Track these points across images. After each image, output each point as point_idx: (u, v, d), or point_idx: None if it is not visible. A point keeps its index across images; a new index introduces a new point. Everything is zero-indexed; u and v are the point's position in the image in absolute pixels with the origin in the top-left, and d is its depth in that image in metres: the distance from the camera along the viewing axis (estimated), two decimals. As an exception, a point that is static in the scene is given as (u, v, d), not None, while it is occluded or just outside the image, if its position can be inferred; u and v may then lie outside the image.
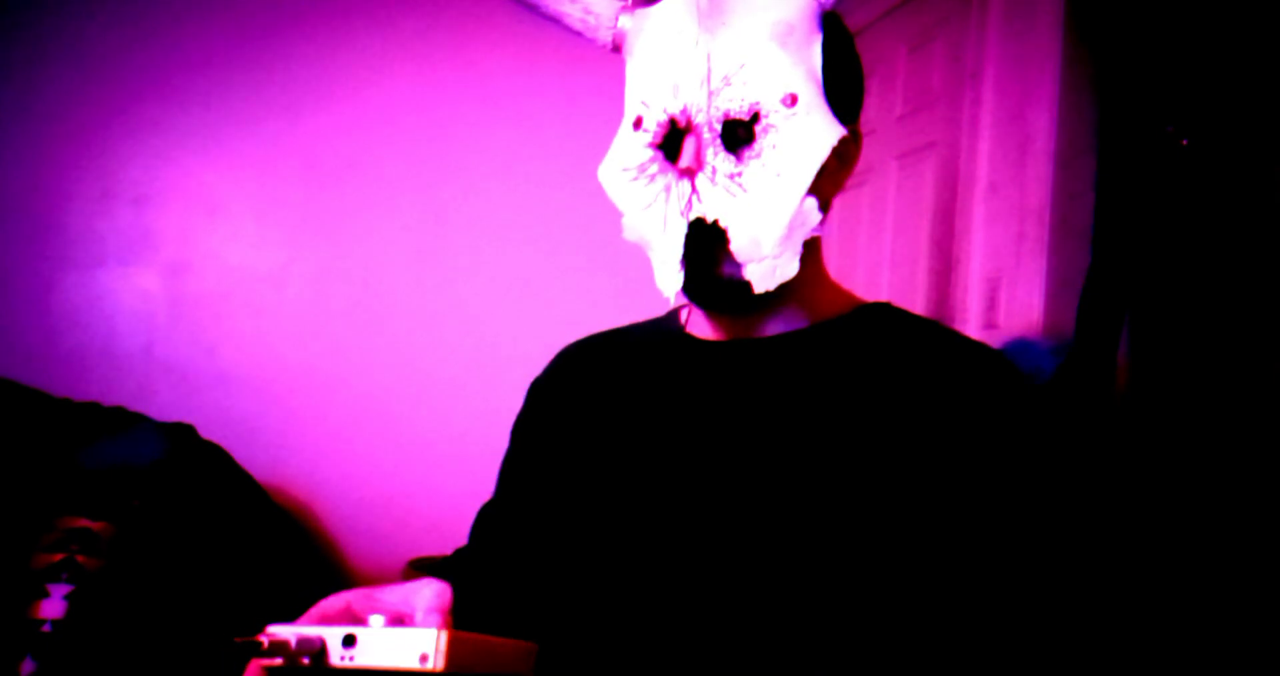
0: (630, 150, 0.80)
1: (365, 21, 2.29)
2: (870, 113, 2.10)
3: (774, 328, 0.82)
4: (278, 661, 0.52)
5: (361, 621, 0.61)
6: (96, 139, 2.18)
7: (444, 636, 0.51)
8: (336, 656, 0.53)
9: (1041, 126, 1.60)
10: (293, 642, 0.52)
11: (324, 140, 2.28)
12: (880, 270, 2.11)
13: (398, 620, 0.58)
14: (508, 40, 2.29)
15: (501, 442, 0.96)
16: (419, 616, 0.60)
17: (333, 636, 0.53)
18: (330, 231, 2.29)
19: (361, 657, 0.52)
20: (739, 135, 0.75)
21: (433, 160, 2.32)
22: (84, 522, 1.54)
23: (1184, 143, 1.31)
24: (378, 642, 0.52)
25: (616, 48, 0.85)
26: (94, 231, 2.19)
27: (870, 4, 2.11)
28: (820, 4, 0.77)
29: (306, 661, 0.53)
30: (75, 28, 2.16)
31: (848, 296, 0.86)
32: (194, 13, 2.21)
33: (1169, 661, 1.15)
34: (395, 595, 0.64)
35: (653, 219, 0.78)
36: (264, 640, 0.52)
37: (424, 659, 0.51)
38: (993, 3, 1.74)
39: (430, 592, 0.62)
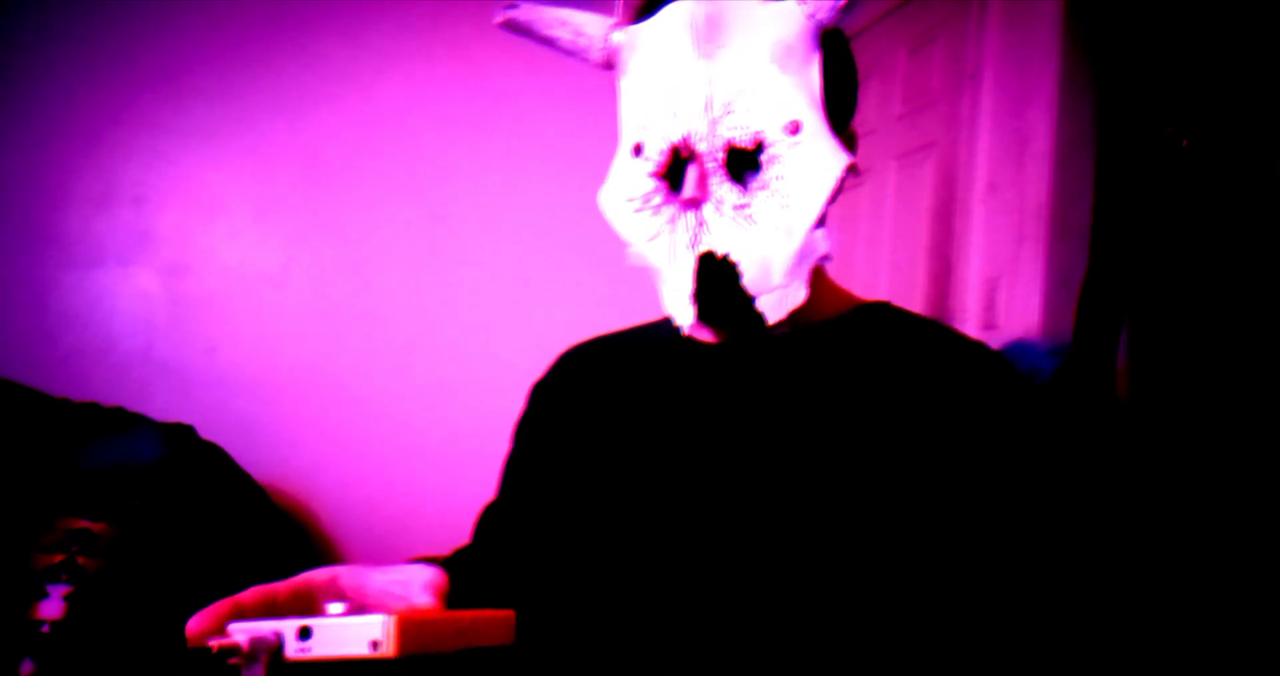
0: (632, 178, 0.79)
1: (366, 21, 2.29)
2: (870, 113, 2.10)
3: (772, 328, 0.81)
4: (234, 662, 0.52)
5: (342, 597, 0.62)
6: (96, 139, 2.18)
7: (393, 620, 0.51)
8: (293, 649, 0.53)
9: (1041, 126, 1.60)
10: (245, 644, 0.52)
11: (324, 140, 2.28)
12: (879, 270, 2.11)
13: (360, 608, 0.58)
14: (508, 40, 2.28)
15: (502, 443, 0.96)
16: (415, 595, 0.61)
17: (289, 629, 0.53)
18: (330, 231, 2.28)
19: (318, 649, 0.52)
20: (744, 164, 0.74)
21: (433, 160, 2.32)
22: (83, 523, 1.54)
23: (1184, 143, 1.31)
24: (332, 632, 0.52)
25: (609, 65, 0.83)
26: (94, 231, 2.18)
27: (870, 4, 2.11)
28: (819, 21, 0.75)
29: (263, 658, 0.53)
30: (75, 28, 2.16)
31: (846, 296, 0.86)
32: (194, 13, 2.21)
33: (1169, 661, 1.15)
34: (387, 574, 0.64)
35: (659, 250, 0.77)
36: (213, 645, 0.52)
37: (374, 645, 0.50)
38: (992, 3, 1.74)
39: (428, 573, 0.63)
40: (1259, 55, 1.26)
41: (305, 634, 0.52)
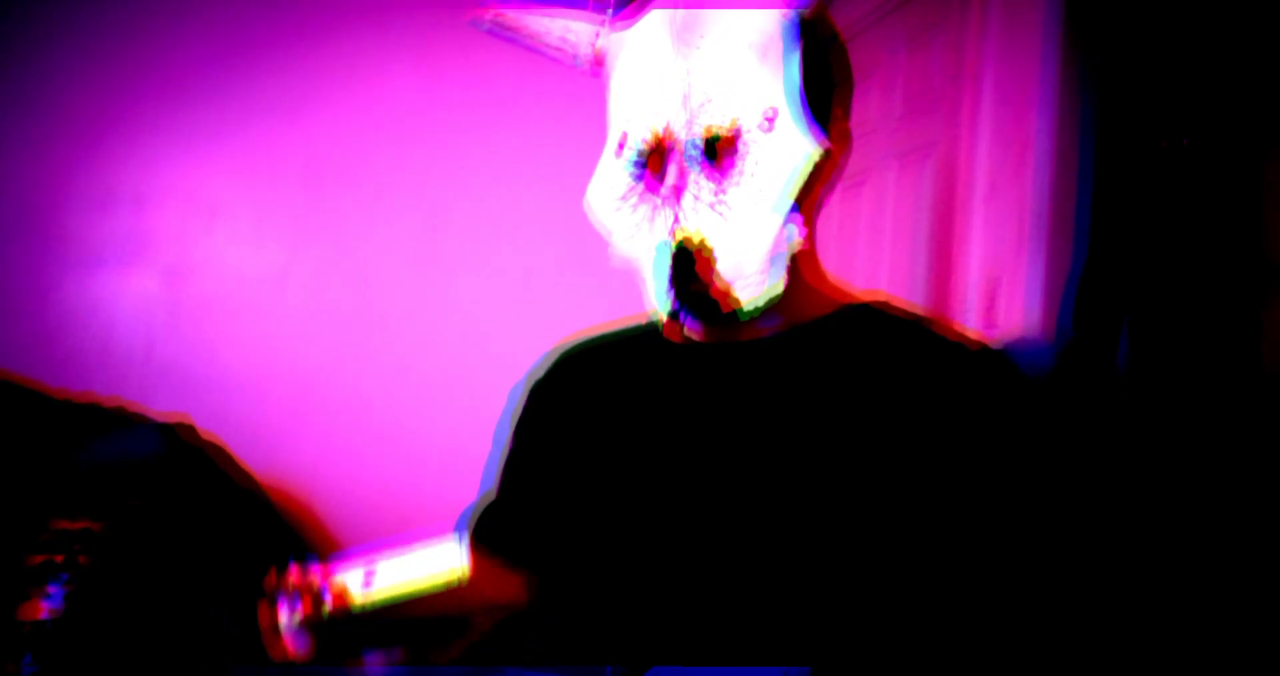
0: (615, 174, 0.80)
1: (365, 22, 2.29)
2: (870, 113, 2.10)
3: (758, 329, 0.82)
4: (300, 603, 0.52)
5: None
6: (96, 139, 2.19)
7: (464, 543, 0.53)
8: (359, 594, 0.53)
9: (1041, 126, 1.59)
10: (318, 581, 0.53)
11: (323, 141, 2.28)
12: (880, 270, 2.11)
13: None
14: (506, 43, 2.28)
15: (501, 443, 0.96)
16: None
17: (351, 576, 0.54)
18: (330, 232, 2.29)
19: (382, 588, 0.53)
20: (720, 155, 0.75)
21: (432, 161, 2.32)
22: (83, 522, 1.54)
23: (1184, 143, 1.31)
24: (396, 569, 0.53)
25: (597, 68, 0.85)
26: (94, 232, 2.19)
27: (870, 4, 2.10)
28: (797, 13, 0.76)
29: (329, 602, 0.53)
30: (75, 28, 2.17)
31: (836, 295, 0.86)
32: (193, 13, 2.22)
33: (1166, 662, 1.14)
34: None
35: (641, 242, 0.79)
36: (293, 578, 0.53)
37: (450, 567, 0.53)
38: (992, 3, 1.74)
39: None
40: (1258, 55, 1.26)
41: (368, 578, 0.53)
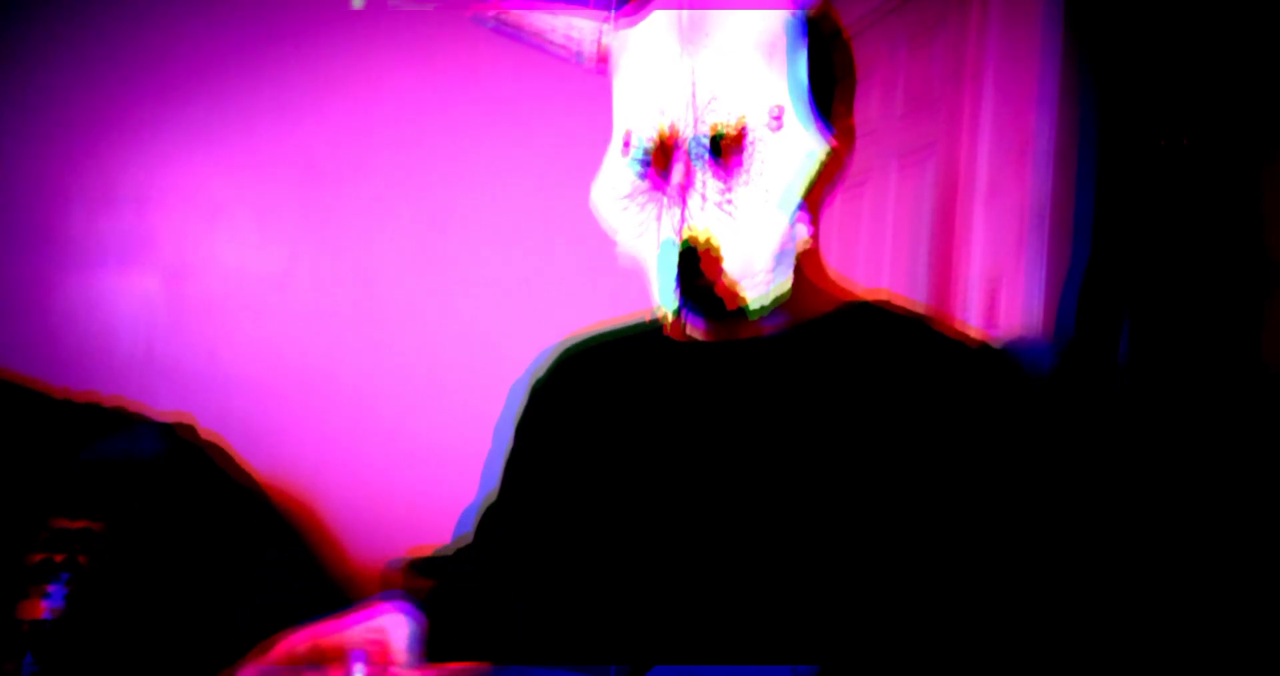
0: (620, 173, 0.80)
1: (366, 22, 2.29)
2: (870, 113, 2.10)
3: (763, 327, 0.82)
4: None
5: (330, 660, 0.62)
6: (96, 139, 2.18)
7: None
8: None
9: (1041, 126, 1.60)
10: None
11: (324, 141, 2.28)
12: (880, 270, 2.11)
13: (380, 656, 0.58)
14: (510, 43, 2.28)
15: (502, 442, 0.96)
16: (399, 656, 0.63)
17: None
18: (330, 232, 2.29)
19: None
20: (727, 154, 0.75)
21: (433, 161, 2.32)
22: (83, 522, 1.54)
23: (1184, 142, 1.31)
24: None
25: (602, 66, 0.85)
26: (94, 231, 2.19)
27: (871, 3, 2.11)
28: (803, 11, 0.76)
29: None
30: (75, 28, 2.16)
31: (838, 293, 0.86)
32: (194, 13, 2.21)
33: (1165, 661, 1.15)
34: (361, 631, 0.66)
35: (647, 242, 0.79)
36: None
37: None
38: (992, 3, 1.75)
39: (404, 632, 0.66)
40: (1257, 55, 1.27)
41: None
